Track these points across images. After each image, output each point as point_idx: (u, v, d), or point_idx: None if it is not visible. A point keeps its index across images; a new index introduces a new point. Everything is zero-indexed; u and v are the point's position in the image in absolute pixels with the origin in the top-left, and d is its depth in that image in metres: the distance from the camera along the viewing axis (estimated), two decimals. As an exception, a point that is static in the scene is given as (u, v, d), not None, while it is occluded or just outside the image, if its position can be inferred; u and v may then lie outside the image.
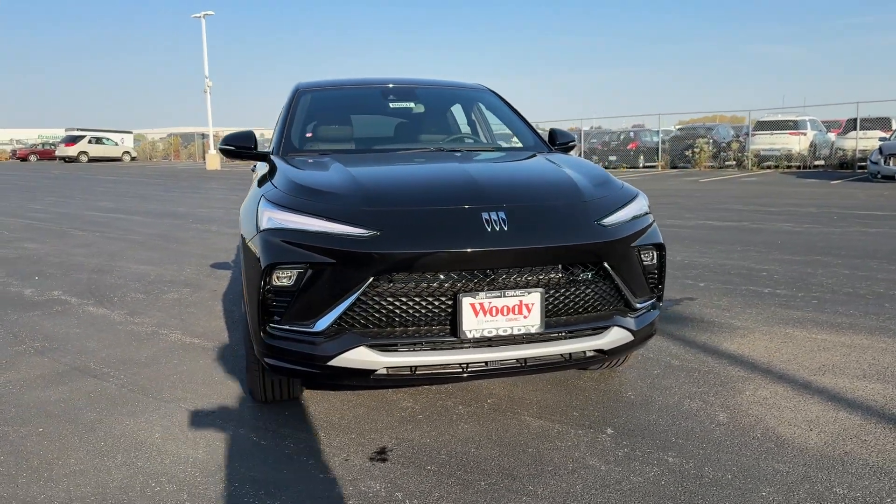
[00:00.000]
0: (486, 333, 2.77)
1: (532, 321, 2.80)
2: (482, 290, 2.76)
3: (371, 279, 2.71)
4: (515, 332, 2.79)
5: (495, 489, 2.58)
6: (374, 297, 2.75)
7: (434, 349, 2.77)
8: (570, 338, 2.90)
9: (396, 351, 2.76)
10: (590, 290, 2.96)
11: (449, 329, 2.78)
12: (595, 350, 2.95)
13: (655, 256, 3.22)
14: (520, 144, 4.35)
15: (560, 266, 2.86)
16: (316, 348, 2.78)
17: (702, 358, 4.04)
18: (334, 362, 2.76)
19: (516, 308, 2.78)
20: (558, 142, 4.44)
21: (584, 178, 3.32)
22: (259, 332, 2.91)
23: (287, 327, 2.85)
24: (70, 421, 3.28)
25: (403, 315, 2.78)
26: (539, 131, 4.43)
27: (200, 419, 3.27)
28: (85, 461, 2.86)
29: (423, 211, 2.91)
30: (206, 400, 3.52)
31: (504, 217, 2.83)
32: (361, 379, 2.81)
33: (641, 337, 3.14)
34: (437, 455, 2.86)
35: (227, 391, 3.62)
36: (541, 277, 2.83)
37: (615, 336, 2.97)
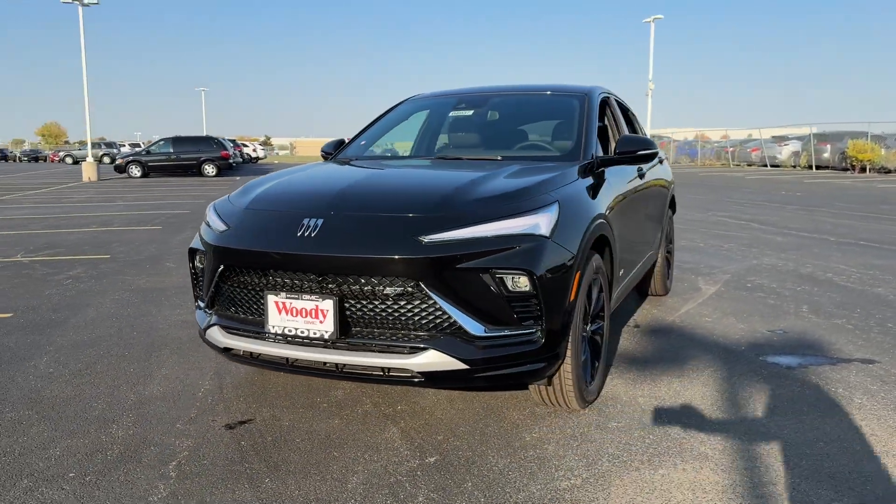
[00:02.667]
0: (286, 331, 2.95)
1: (327, 327, 2.87)
2: (284, 290, 2.94)
3: (221, 267, 3.15)
4: (312, 335, 2.90)
5: (240, 472, 2.79)
6: (223, 285, 3.18)
7: (254, 338, 3.06)
8: (378, 352, 2.85)
9: (233, 335, 3.14)
10: (402, 308, 2.83)
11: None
12: (409, 370, 2.82)
13: (528, 283, 2.85)
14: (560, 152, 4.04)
15: (364, 277, 2.83)
16: (203, 321, 3.34)
17: (712, 424, 3.24)
18: (206, 337, 3.29)
19: (313, 312, 2.88)
20: (618, 151, 3.97)
21: (476, 190, 3.10)
22: (194, 305, 3.59)
23: (199, 303, 3.47)
24: (149, 351, 4.43)
25: (240, 303, 3.14)
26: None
27: (204, 369, 4.07)
28: (112, 376, 3.94)
29: (259, 212, 3.19)
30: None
31: (319, 224, 2.93)
32: (224, 354, 3.26)
33: (487, 369, 2.85)
34: (264, 436, 3.14)
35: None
36: (342, 286, 2.86)
37: (431, 360, 2.79)
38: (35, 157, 65.58)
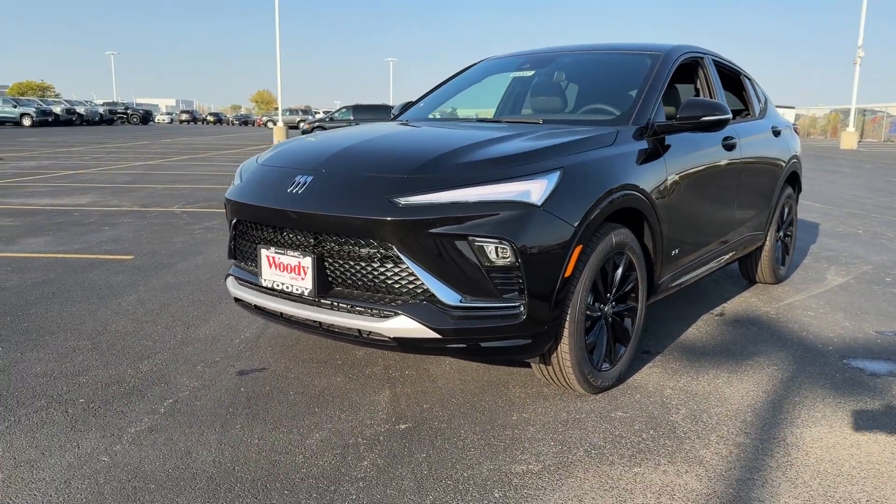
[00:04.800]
0: (275, 285, 3.00)
1: (307, 284, 2.88)
2: (273, 245, 2.99)
3: (235, 220, 3.27)
4: (295, 290, 2.93)
5: (220, 416, 2.90)
6: (237, 238, 3.30)
7: (254, 290, 3.15)
8: (350, 313, 2.82)
9: (242, 286, 3.26)
10: (377, 270, 2.77)
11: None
12: (381, 334, 2.77)
13: (510, 253, 2.68)
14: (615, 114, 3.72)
15: (342, 237, 2.80)
16: (227, 272, 3.51)
17: (732, 427, 2.90)
18: (226, 285, 3.44)
19: (296, 268, 2.91)
20: (678, 116, 3.59)
21: (472, 154, 2.93)
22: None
23: None
24: (221, 298, 4.71)
25: (247, 256, 3.24)
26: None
27: (256, 318, 4.26)
28: (175, 317, 4.27)
29: (266, 168, 3.23)
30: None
31: (308, 181, 2.92)
32: (240, 305, 3.39)
33: (461, 340, 2.73)
34: (264, 385, 3.24)
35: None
36: (321, 244, 2.85)
37: (402, 325, 2.71)
38: (245, 121, 72.27)
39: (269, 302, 3.04)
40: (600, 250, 2.96)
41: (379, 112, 31.43)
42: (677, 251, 3.65)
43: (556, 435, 2.77)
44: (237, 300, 3.30)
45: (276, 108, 44.97)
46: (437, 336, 2.69)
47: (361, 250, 2.76)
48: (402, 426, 2.84)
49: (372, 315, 2.77)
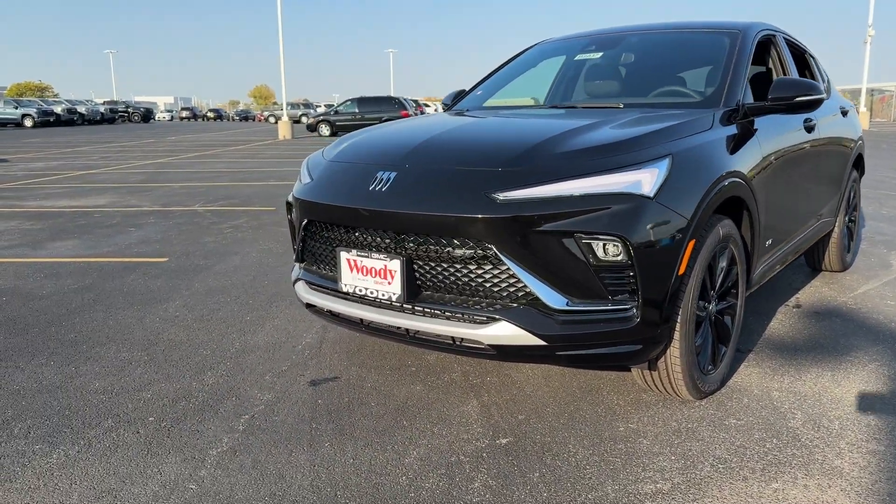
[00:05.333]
0: (357, 290, 2.77)
1: (394, 289, 2.65)
2: (355, 247, 2.76)
3: (305, 221, 3.03)
4: (381, 296, 2.70)
5: (305, 433, 2.68)
6: (308, 239, 3.06)
7: (333, 296, 2.92)
8: (442, 318, 2.59)
9: (314, 290, 3.03)
10: (473, 272, 2.54)
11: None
12: (478, 341, 2.55)
13: (621, 251, 2.44)
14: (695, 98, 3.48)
15: (433, 237, 2.57)
16: (293, 276, 3.28)
17: (860, 432, 2.67)
18: (295, 290, 3.22)
19: (382, 272, 2.68)
20: (771, 96, 3.35)
21: (569, 142, 2.70)
22: (294, 258, 3.54)
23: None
24: (270, 301, 4.50)
25: (321, 259, 3.01)
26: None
27: (312, 322, 4.04)
28: (227, 323, 4.05)
29: (340, 164, 3.00)
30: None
31: (392, 177, 2.69)
32: (309, 310, 3.17)
33: (568, 347, 2.50)
34: (342, 396, 3.02)
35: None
36: (410, 245, 2.62)
37: (502, 332, 2.49)
38: (245, 116, 71.96)
39: (349, 308, 2.82)
40: (709, 244, 2.74)
41: (384, 104, 31.18)
42: (770, 241, 3.43)
43: (673, 448, 2.55)
44: (308, 306, 3.08)
45: (275, 103, 44.60)
46: (543, 343, 2.47)
47: (456, 251, 2.53)
48: (503, 440, 2.62)
49: (466, 321, 2.55)
